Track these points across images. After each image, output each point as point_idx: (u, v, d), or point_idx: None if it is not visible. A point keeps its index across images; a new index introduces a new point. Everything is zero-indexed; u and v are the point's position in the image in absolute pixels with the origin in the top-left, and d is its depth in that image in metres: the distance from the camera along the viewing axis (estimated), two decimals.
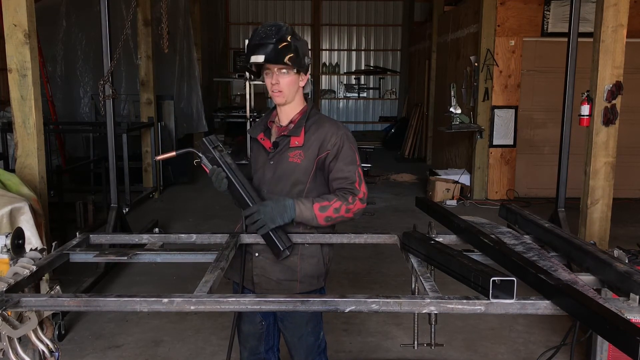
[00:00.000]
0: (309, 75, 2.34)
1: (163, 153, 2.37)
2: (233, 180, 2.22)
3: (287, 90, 2.27)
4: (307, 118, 2.31)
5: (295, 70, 2.24)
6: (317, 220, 2.20)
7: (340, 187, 2.25)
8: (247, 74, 8.41)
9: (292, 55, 2.18)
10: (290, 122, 2.34)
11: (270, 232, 2.17)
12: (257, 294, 2.34)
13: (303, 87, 2.34)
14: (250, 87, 8.38)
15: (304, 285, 2.32)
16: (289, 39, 2.19)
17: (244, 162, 6.39)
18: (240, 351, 2.53)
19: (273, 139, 2.37)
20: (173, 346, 3.73)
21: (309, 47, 2.37)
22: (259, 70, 2.31)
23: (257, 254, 2.27)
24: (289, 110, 2.34)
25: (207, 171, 2.28)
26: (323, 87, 15.80)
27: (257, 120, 2.56)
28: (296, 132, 2.29)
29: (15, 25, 3.88)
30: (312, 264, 2.33)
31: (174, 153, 2.36)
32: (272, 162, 2.31)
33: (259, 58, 2.18)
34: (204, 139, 2.29)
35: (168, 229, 6.46)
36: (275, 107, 2.39)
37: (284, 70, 2.23)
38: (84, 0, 9.05)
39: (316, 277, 2.35)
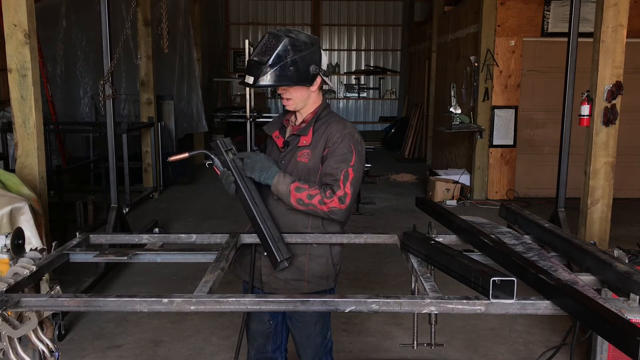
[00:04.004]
0: (320, 80, 2.28)
1: (175, 154, 2.37)
2: (241, 185, 2.22)
3: (295, 99, 2.28)
4: (317, 118, 2.31)
5: (300, 85, 2.23)
6: (290, 198, 2.19)
7: (325, 183, 2.23)
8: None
9: (283, 75, 2.16)
10: (303, 121, 2.35)
11: (269, 242, 2.17)
12: (266, 293, 2.34)
13: (320, 88, 2.33)
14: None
15: (311, 286, 2.32)
16: (285, 55, 2.15)
17: None
18: (248, 350, 2.53)
19: (286, 137, 2.38)
20: (173, 346, 3.73)
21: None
22: None
23: (265, 254, 2.26)
24: (303, 111, 2.35)
25: (218, 173, 2.26)
26: (324, 87, 15.77)
27: (274, 117, 2.55)
28: (305, 131, 2.30)
29: (15, 25, 3.88)
30: (320, 264, 2.32)
31: (186, 154, 2.35)
32: (283, 162, 2.32)
33: (249, 79, 2.19)
34: (217, 140, 2.27)
35: (168, 229, 6.45)
36: None
37: None
38: (84, 0, 9.05)
39: (325, 278, 2.35)
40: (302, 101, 2.30)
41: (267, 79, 2.16)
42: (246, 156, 2.25)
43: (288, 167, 2.29)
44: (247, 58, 9.13)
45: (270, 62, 2.14)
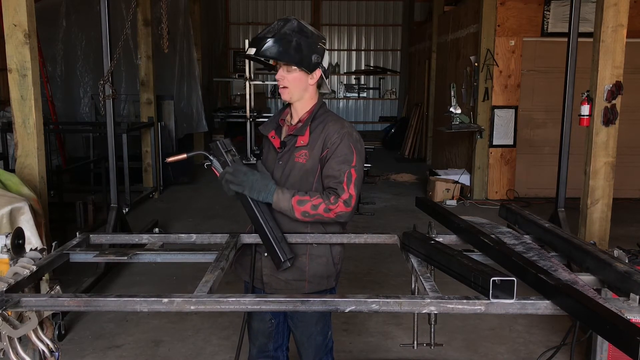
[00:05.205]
0: (320, 74, 2.27)
1: (173, 155, 2.35)
2: None
3: (292, 87, 2.25)
4: (314, 118, 2.29)
5: (300, 68, 2.22)
6: (294, 213, 2.17)
7: (328, 187, 2.21)
8: (247, 73, 8.41)
9: (286, 51, 2.15)
10: (299, 121, 2.32)
11: (272, 242, 2.17)
12: (267, 293, 2.34)
13: (319, 86, 2.32)
14: (250, 87, 8.37)
15: (312, 285, 2.31)
16: (292, 34, 2.15)
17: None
18: (249, 348, 2.53)
19: (283, 137, 2.36)
20: (173, 346, 3.73)
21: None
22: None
23: (266, 254, 2.26)
24: (299, 108, 2.33)
25: (217, 174, 2.25)
26: (322, 90, 15.77)
27: (270, 117, 2.54)
28: (302, 131, 2.28)
29: (15, 25, 3.88)
30: (320, 263, 2.31)
31: (184, 155, 2.33)
32: (280, 162, 2.30)
33: (251, 51, 2.19)
34: (217, 141, 2.25)
35: (168, 229, 6.46)
36: (288, 105, 2.38)
37: (293, 67, 2.21)
38: (84, 0, 9.06)
39: (325, 277, 2.34)
40: (299, 91, 2.27)
41: (268, 51, 2.15)
42: (241, 172, 2.18)
43: (286, 168, 2.28)
44: (247, 58, 9.18)
45: (275, 36, 2.15)
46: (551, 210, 4.91)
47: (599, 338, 2.66)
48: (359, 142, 2.29)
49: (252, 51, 2.18)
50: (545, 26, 7.80)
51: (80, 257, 2.12)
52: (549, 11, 7.75)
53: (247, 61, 9.74)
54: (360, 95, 15.87)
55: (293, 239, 2.25)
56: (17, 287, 1.68)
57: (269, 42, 2.15)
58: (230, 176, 2.18)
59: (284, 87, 2.26)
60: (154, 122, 8.09)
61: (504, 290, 1.53)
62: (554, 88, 6.88)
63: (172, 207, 7.64)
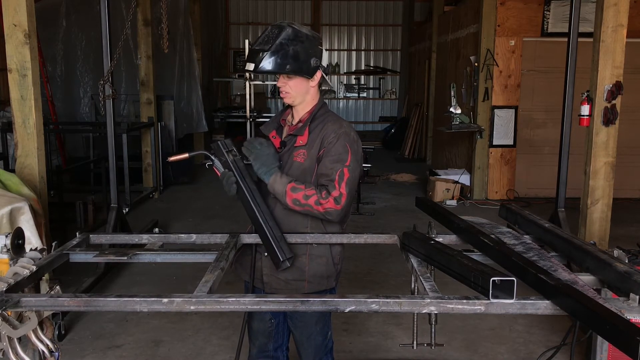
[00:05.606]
0: (320, 75, 2.28)
1: (175, 155, 2.36)
2: (242, 186, 2.21)
3: (294, 92, 2.27)
4: (313, 118, 2.30)
5: (301, 75, 2.23)
6: (285, 198, 2.19)
7: (321, 184, 2.23)
8: (247, 73, 8.41)
9: (284, 62, 2.16)
10: (299, 121, 2.34)
11: (272, 241, 2.17)
12: (267, 293, 2.34)
13: (320, 85, 2.33)
14: (250, 87, 8.36)
15: (312, 285, 2.32)
16: (288, 43, 2.15)
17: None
18: (250, 348, 2.53)
19: (283, 137, 2.38)
20: (173, 346, 3.73)
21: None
22: None
23: (266, 254, 2.27)
24: (300, 109, 2.34)
25: (219, 174, 2.26)
26: (323, 87, 15.78)
27: (271, 117, 2.56)
28: (301, 131, 2.29)
29: (15, 25, 3.88)
30: (320, 263, 2.32)
31: (186, 154, 2.34)
32: (280, 162, 2.31)
33: (250, 66, 2.20)
34: (218, 142, 2.27)
35: (168, 229, 6.46)
36: (289, 105, 2.38)
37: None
38: (84, 0, 9.06)
39: (325, 277, 2.35)
40: (301, 95, 2.29)
41: (267, 65, 2.16)
42: (258, 142, 2.25)
43: (285, 167, 2.29)
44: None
45: (271, 49, 2.15)
46: (551, 210, 4.90)
47: (599, 338, 2.66)
48: (356, 143, 2.30)
49: (251, 67, 2.20)
50: (545, 26, 7.79)
51: (80, 257, 2.12)
52: (549, 11, 7.75)
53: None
54: (360, 95, 15.86)
55: (293, 239, 2.26)
56: (17, 287, 1.68)
57: (267, 57, 2.16)
58: (248, 143, 2.25)
59: (287, 93, 2.28)
60: (154, 122, 8.09)
61: (504, 290, 1.53)
62: (554, 88, 6.88)
63: (172, 207, 7.64)
